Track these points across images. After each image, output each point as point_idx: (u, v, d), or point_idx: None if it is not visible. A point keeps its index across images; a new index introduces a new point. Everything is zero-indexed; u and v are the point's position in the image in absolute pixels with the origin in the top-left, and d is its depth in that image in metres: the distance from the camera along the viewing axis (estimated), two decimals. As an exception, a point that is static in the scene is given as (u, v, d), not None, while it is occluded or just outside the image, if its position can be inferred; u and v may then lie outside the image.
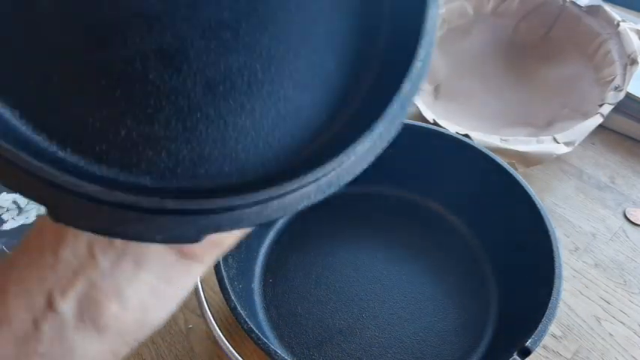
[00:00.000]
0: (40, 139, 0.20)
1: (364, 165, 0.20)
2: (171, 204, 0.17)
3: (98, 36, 0.21)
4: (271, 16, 0.23)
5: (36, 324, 0.22)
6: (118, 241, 0.22)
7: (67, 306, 0.22)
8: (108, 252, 0.22)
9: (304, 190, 0.18)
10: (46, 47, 0.21)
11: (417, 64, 0.20)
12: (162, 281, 0.24)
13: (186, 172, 0.20)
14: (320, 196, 0.19)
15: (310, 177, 0.18)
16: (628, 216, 0.57)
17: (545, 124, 0.64)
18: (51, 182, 0.17)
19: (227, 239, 0.25)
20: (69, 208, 0.18)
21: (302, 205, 0.19)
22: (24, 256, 0.23)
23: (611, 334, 0.46)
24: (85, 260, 0.22)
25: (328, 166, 0.18)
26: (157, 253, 0.23)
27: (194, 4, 0.22)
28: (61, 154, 0.20)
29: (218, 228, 0.18)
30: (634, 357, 0.45)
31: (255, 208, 0.18)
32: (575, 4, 0.67)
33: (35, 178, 0.17)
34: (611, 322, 0.47)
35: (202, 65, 0.21)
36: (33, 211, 0.52)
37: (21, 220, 0.51)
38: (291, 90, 0.22)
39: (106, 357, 0.23)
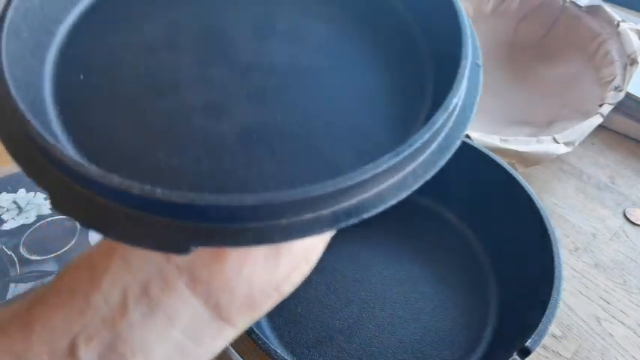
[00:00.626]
0: (79, 157, 0.21)
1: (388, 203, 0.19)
2: (160, 193, 0.16)
3: (159, 90, 0.24)
4: (314, 84, 0.25)
5: None
6: (154, 292, 0.22)
7: (89, 355, 0.21)
8: (141, 303, 0.21)
9: (312, 215, 0.18)
10: (114, 92, 0.24)
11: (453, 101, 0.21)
12: (191, 341, 0.22)
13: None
14: (330, 226, 0.18)
15: (324, 205, 0.17)
16: (628, 216, 0.57)
17: (545, 124, 0.64)
18: (56, 160, 0.18)
19: (262, 303, 0.24)
20: (64, 197, 0.18)
21: (305, 234, 0.18)
22: (54, 296, 0.22)
23: (610, 334, 0.46)
24: (116, 308, 0.21)
25: (349, 198, 0.18)
26: (190, 309, 0.22)
27: (246, 74, 0.25)
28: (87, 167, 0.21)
29: (211, 239, 0.17)
30: (634, 357, 0.45)
31: (256, 224, 0.17)
32: (575, 4, 0.67)
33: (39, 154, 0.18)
34: (610, 322, 0.47)
35: (242, 116, 0.23)
36: (33, 211, 0.52)
37: (21, 220, 0.51)
38: (322, 142, 0.23)
39: None
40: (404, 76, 0.26)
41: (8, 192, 0.54)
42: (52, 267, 0.48)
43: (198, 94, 0.24)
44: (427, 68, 0.26)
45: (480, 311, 0.45)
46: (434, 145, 0.21)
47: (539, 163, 0.56)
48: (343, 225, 0.18)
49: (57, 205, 0.18)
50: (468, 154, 0.49)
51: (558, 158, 0.62)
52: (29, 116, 0.18)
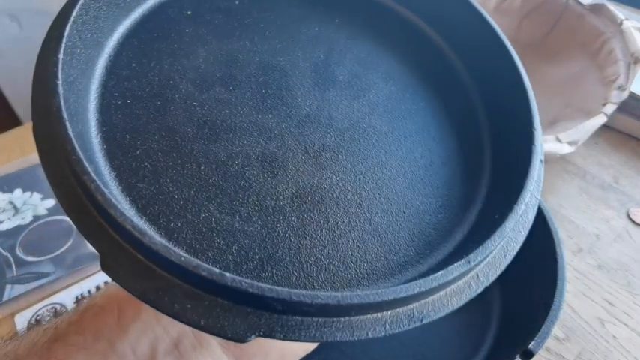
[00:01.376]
0: (123, 201, 0.20)
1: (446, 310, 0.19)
2: (229, 279, 0.15)
3: (213, 132, 0.23)
4: (372, 148, 0.24)
5: None
6: (185, 346, 0.21)
7: None
8: (170, 357, 0.21)
9: (374, 315, 0.17)
10: (166, 129, 0.22)
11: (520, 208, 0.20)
12: None
13: (251, 271, 0.19)
14: (392, 329, 0.17)
15: (383, 302, 0.17)
16: (631, 216, 0.56)
17: (548, 124, 0.64)
18: (116, 224, 0.16)
19: None
20: (117, 260, 0.17)
21: (367, 334, 0.17)
22: (76, 335, 0.21)
23: (614, 336, 0.46)
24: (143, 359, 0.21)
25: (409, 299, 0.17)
26: None
27: (304, 126, 0.24)
28: (137, 221, 0.19)
29: (271, 331, 0.16)
30: (637, 359, 0.44)
31: (317, 320, 0.16)
32: (578, 2, 0.66)
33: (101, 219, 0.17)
34: (614, 323, 0.47)
35: (297, 176, 0.22)
36: (29, 211, 0.52)
37: (17, 221, 0.51)
38: (378, 216, 0.22)
39: None
40: (463, 150, 0.25)
41: (4, 192, 0.54)
42: (48, 268, 0.47)
43: (255, 143, 0.23)
44: (486, 146, 0.26)
45: (482, 313, 0.45)
46: (496, 250, 0.20)
47: (542, 162, 0.55)
48: (404, 329, 0.17)
49: (108, 269, 0.17)
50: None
51: (562, 158, 0.62)
52: (85, 167, 0.17)
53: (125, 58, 0.24)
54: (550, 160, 0.55)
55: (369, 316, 0.17)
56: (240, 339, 0.16)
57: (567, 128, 0.57)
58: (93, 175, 0.16)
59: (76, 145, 0.17)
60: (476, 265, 0.18)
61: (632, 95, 0.61)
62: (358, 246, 0.21)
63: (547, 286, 0.37)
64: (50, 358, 0.20)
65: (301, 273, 0.20)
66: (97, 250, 0.17)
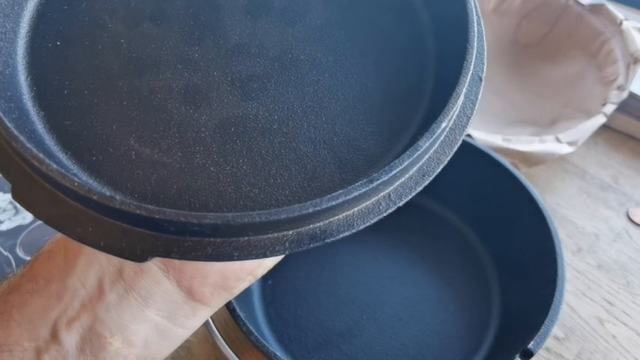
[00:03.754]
0: (48, 139, 0.21)
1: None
2: (118, 202, 0.16)
3: (138, 67, 0.23)
4: (303, 76, 0.23)
5: (38, 354, 0.21)
6: (128, 274, 0.22)
7: (70, 338, 0.22)
8: (116, 285, 0.22)
9: (275, 235, 0.17)
10: (93, 67, 0.23)
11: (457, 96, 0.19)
12: (167, 320, 0.23)
13: (168, 200, 0.20)
14: (293, 248, 0.18)
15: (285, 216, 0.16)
16: (631, 216, 0.57)
17: (547, 124, 0.64)
18: (24, 159, 0.17)
19: (236, 285, 0.24)
20: (27, 190, 0.18)
21: (266, 253, 0.17)
22: (29, 283, 0.22)
23: (613, 336, 0.46)
24: (92, 292, 0.22)
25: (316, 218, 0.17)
26: (163, 291, 0.23)
27: (232, 57, 0.23)
28: (60, 155, 0.20)
29: (168, 252, 0.17)
30: (637, 359, 0.44)
31: (214, 240, 0.17)
32: (577, 2, 0.66)
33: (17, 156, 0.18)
34: (613, 323, 0.47)
35: (221, 107, 0.22)
36: (30, 211, 0.52)
37: (18, 221, 0.51)
38: (304, 145, 0.22)
39: None
40: (403, 78, 0.24)
41: (5, 192, 0.54)
42: (49, 268, 0.47)
43: (179, 76, 0.23)
44: (429, 71, 0.24)
45: (482, 313, 0.45)
46: (413, 170, 0.20)
47: (542, 162, 0.56)
48: (306, 248, 0.17)
49: (17, 197, 0.18)
50: (470, 154, 0.49)
51: (561, 158, 0.62)
52: None
53: (56, 1, 0.25)
54: (550, 159, 0.55)
55: (269, 235, 0.17)
56: (139, 259, 0.17)
57: (567, 128, 0.57)
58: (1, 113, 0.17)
59: None
60: (382, 185, 0.18)
61: (631, 95, 0.61)
62: (281, 174, 0.21)
63: (547, 286, 0.37)
64: (7, 309, 0.22)
65: (219, 201, 0.20)
66: (8, 181, 0.18)
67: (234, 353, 0.33)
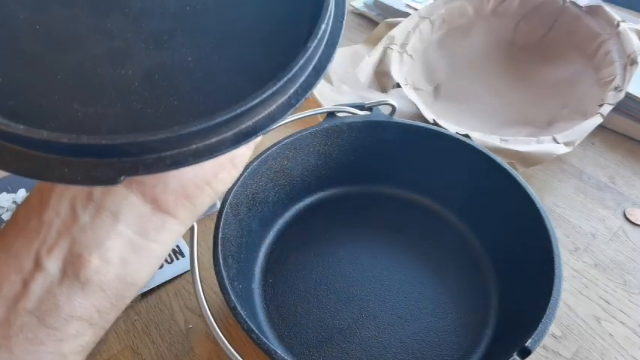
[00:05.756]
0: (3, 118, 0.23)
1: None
2: (85, 139, 0.19)
3: (61, 45, 0.26)
4: (206, 22, 0.28)
5: (25, 284, 0.23)
6: (97, 195, 0.24)
7: (52, 263, 0.23)
8: (88, 207, 0.24)
9: (215, 139, 0.21)
10: (19, 53, 0.26)
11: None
12: (139, 235, 0.25)
13: (122, 140, 0.23)
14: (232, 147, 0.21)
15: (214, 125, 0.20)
16: (628, 216, 0.57)
17: (545, 124, 0.64)
18: None
19: (196, 194, 0.26)
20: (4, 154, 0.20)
21: (212, 154, 0.21)
22: (11, 226, 0.25)
23: (610, 334, 0.46)
24: (67, 218, 0.24)
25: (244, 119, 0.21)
26: (131, 205, 0.25)
27: (140, 20, 0.27)
28: (14, 126, 0.23)
29: (135, 170, 0.20)
30: (634, 357, 0.45)
31: (171, 152, 0.20)
32: (575, 4, 0.67)
33: None
34: (610, 322, 0.47)
35: (142, 61, 0.25)
36: (33, 211, 0.52)
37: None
38: (220, 76, 0.25)
39: (90, 313, 0.24)
40: (285, 4, 0.28)
41: (8, 192, 0.54)
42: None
43: (100, 44, 0.26)
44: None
45: (480, 311, 0.45)
46: (310, 68, 0.24)
47: (540, 163, 0.56)
48: (244, 144, 0.21)
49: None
50: (468, 154, 0.49)
51: (558, 158, 0.62)
52: None
53: None
54: (547, 160, 0.56)
55: (213, 140, 0.21)
56: (112, 182, 0.20)
57: (564, 129, 0.58)
58: None
59: None
60: (289, 83, 0.22)
61: (628, 96, 0.62)
62: (205, 103, 0.24)
63: (544, 285, 0.38)
64: None
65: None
66: None
67: (236, 351, 0.33)
